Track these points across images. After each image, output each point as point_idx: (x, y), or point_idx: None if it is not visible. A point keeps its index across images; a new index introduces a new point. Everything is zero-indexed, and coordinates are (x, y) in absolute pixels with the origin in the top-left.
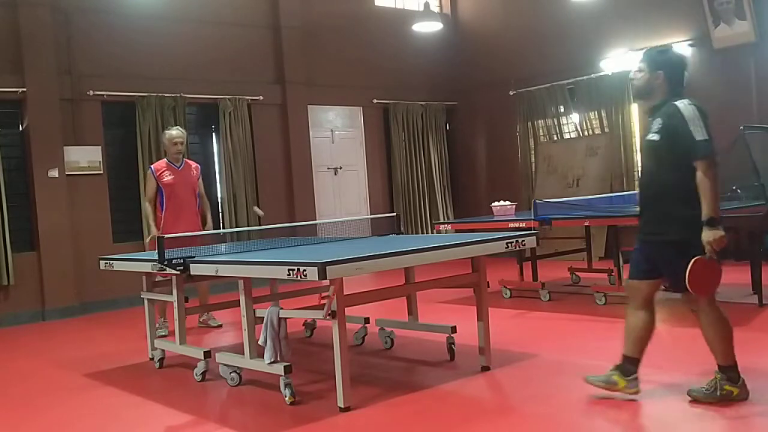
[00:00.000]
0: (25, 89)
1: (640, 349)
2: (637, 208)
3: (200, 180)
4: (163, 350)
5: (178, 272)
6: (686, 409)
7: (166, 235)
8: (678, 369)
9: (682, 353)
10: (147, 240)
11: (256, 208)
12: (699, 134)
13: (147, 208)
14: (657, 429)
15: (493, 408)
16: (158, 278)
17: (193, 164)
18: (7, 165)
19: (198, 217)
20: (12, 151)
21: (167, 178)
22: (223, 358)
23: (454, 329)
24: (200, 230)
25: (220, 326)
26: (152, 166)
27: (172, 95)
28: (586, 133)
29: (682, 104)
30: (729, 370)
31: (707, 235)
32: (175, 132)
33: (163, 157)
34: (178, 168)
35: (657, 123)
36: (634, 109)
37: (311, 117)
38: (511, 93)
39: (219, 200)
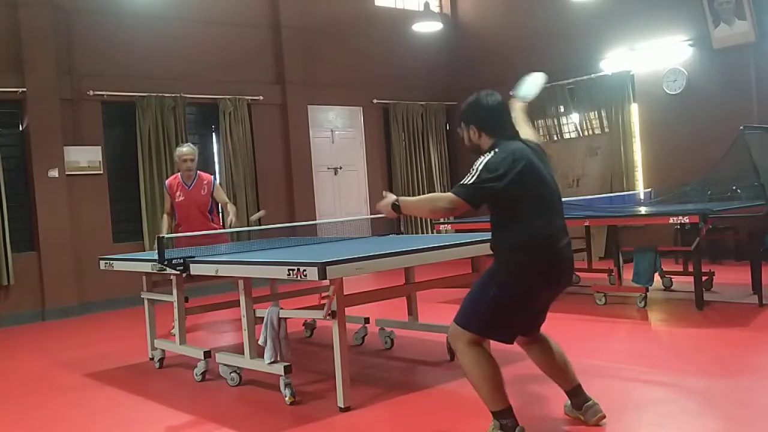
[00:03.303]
0: (25, 89)
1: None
2: (636, 209)
3: (217, 190)
4: (163, 350)
5: (178, 272)
6: (683, 408)
7: (164, 236)
8: (677, 369)
9: (681, 353)
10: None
11: (257, 215)
12: (466, 178)
13: (163, 221)
14: (655, 429)
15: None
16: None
17: (206, 178)
18: (7, 165)
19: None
20: (12, 151)
21: (178, 198)
22: (223, 358)
23: None
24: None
25: None
26: (166, 183)
27: (172, 95)
28: (586, 133)
29: (486, 155)
30: (501, 416)
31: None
32: (185, 149)
33: (169, 166)
34: (189, 187)
35: None
36: (634, 109)
37: (311, 117)
38: (511, 93)
39: None
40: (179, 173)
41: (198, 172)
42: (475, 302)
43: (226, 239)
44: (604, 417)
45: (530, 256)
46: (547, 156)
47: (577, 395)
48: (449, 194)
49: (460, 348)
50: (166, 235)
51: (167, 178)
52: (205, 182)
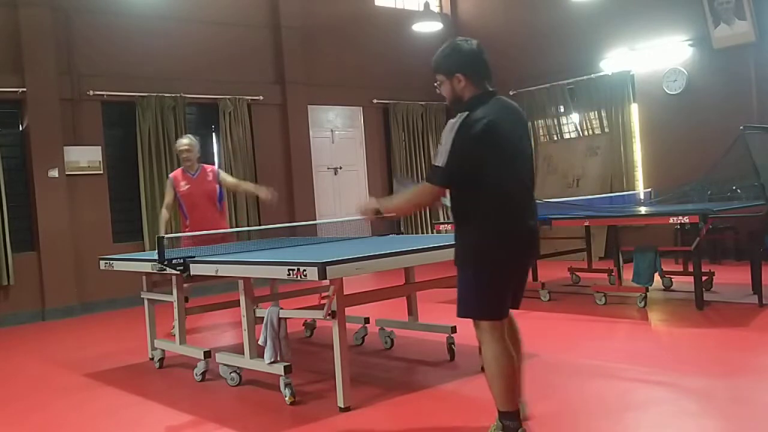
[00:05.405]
0: (25, 89)
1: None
2: (636, 209)
3: (222, 176)
4: (163, 350)
5: (178, 272)
6: (683, 408)
7: (166, 235)
8: (677, 369)
9: (681, 353)
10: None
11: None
12: (437, 159)
13: (163, 215)
14: (655, 429)
15: (492, 408)
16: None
17: (209, 168)
18: (7, 165)
19: (223, 220)
20: (12, 151)
21: (184, 188)
22: (223, 358)
23: (454, 329)
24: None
25: None
26: (171, 175)
27: (172, 95)
28: (586, 133)
29: (454, 119)
30: (506, 418)
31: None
32: (182, 141)
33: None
34: (193, 176)
35: None
36: (634, 109)
37: (311, 117)
38: (511, 93)
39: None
40: (182, 167)
41: (201, 164)
42: (463, 291)
43: (233, 238)
44: None
45: (484, 228)
46: (523, 119)
47: (507, 418)
48: (427, 186)
49: (484, 340)
50: (172, 235)
51: (168, 177)
52: (209, 170)
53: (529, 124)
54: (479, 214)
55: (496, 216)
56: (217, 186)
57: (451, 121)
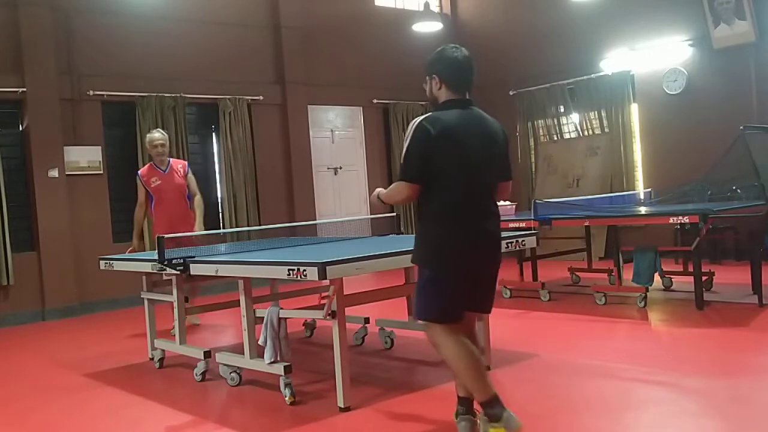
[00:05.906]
0: (25, 89)
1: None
2: (636, 209)
3: (190, 176)
4: (163, 350)
5: (178, 272)
6: (683, 408)
7: (167, 235)
8: (677, 369)
9: (681, 353)
10: (127, 251)
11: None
12: (402, 157)
13: (137, 216)
14: (655, 429)
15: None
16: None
17: (179, 163)
18: (7, 165)
19: (191, 218)
20: (12, 151)
21: (155, 183)
22: (223, 358)
23: None
24: (193, 230)
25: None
26: (138, 172)
27: (172, 95)
28: (586, 133)
29: (417, 120)
30: (488, 406)
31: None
32: (156, 135)
33: (149, 160)
34: (164, 171)
35: None
36: (634, 109)
37: (311, 117)
38: (511, 93)
39: (219, 200)
40: (151, 162)
41: (170, 159)
42: (419, 291)
43: (217, 240)
44: None
45: (441, 229)
46: (492, 131)
47: (489, 407)
48: (400, 183)
49: (437, 342)
50: (172, 235)
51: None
52: (180, 165)
53: (528, 125)
54: (437, 215)
55: (452, 218)
56: (188, 177)
57: (414, 120)
